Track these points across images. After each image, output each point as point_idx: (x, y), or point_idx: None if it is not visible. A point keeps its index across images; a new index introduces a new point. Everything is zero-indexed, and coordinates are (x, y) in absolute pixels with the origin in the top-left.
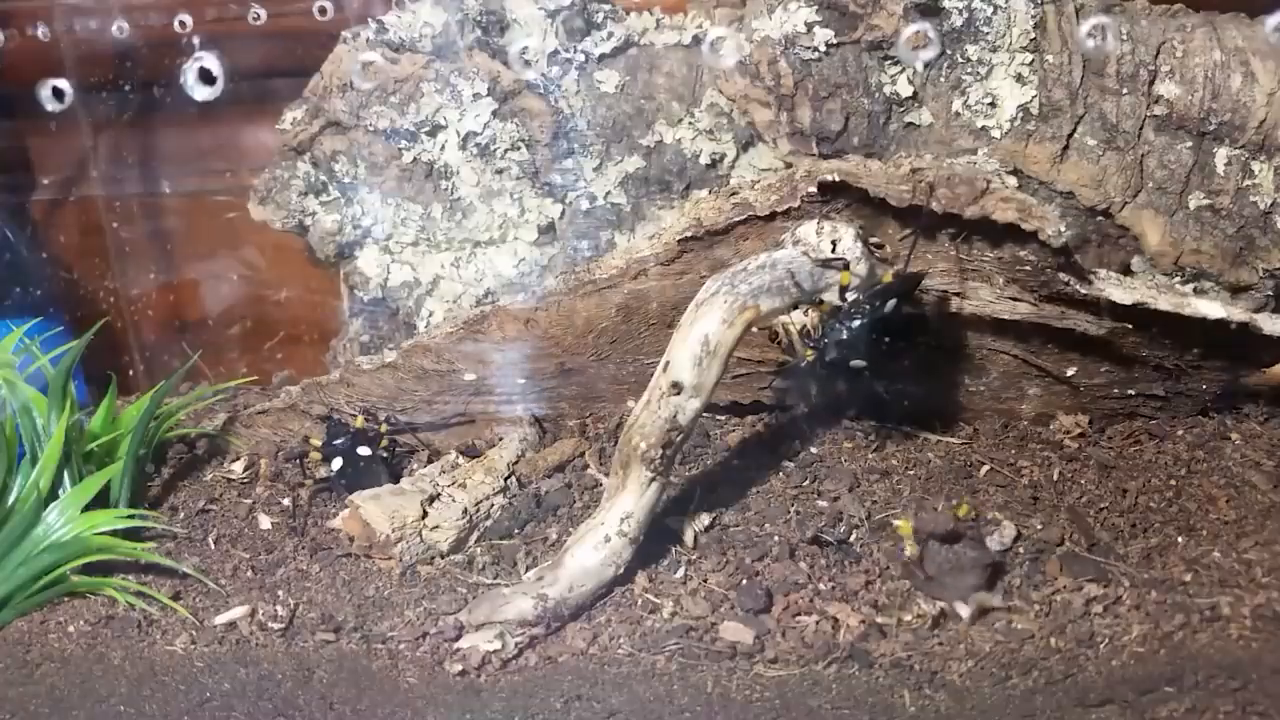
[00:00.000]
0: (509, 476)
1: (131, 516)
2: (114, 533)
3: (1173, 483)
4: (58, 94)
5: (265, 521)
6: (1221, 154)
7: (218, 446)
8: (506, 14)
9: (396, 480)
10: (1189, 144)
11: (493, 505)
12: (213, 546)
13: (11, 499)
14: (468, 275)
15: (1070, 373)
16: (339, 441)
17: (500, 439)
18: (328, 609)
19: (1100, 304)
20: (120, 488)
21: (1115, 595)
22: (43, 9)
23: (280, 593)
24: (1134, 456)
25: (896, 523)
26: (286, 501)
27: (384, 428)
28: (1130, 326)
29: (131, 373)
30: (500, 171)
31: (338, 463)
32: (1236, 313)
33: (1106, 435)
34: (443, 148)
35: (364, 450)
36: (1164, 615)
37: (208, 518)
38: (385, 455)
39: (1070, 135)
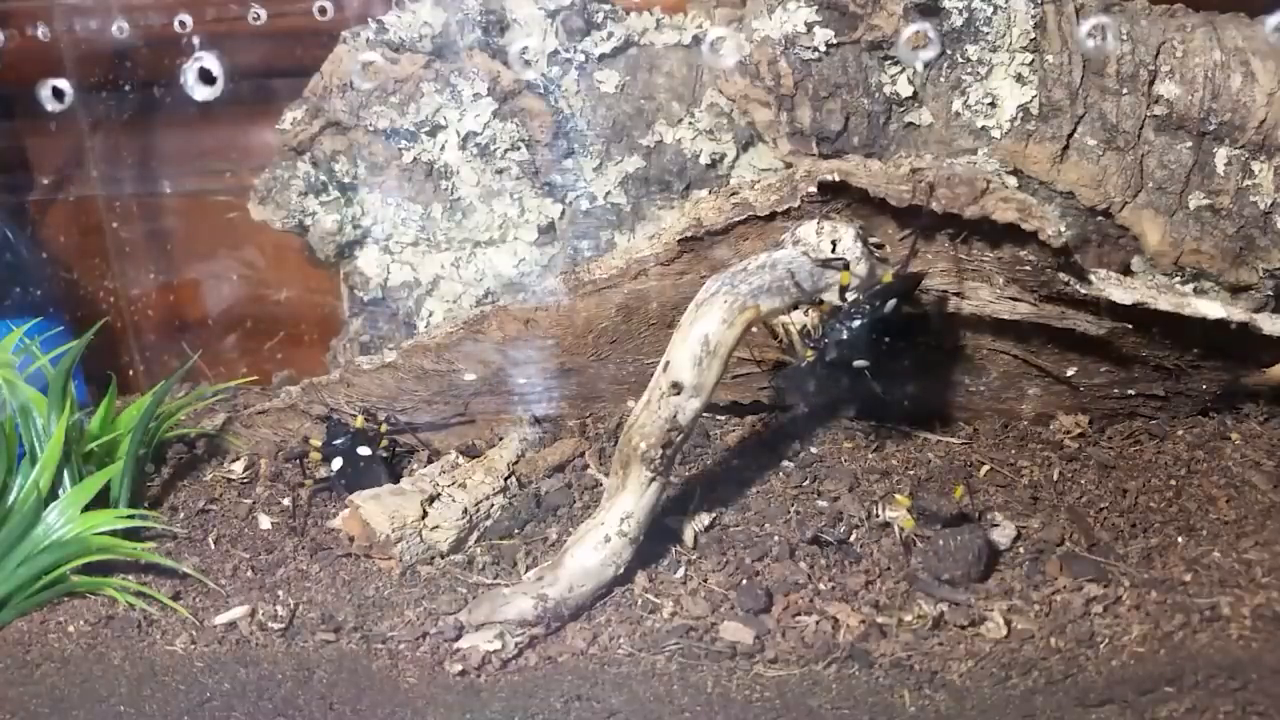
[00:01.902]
0: (509, 476)
1: (131, 516)
2: (114, 533)
3: (1173, 483)
4: (57, 94)
5: (265, 521)
6: (1221, 154)
7: (217, 446)
8: (506, 14)
9: (396, 480)
10: (1189, 144)
11: (493, 505)
12: (213, 546)
13: (11, 499)
14: (468, 275)
15: (1070, 373)
16: (339, 441)
17: (500, 439)
18: (328, 609)
19: (1100, 304)
20: (120, 488)
21: (1115, 595)
22: (42, 9)
23: (280, 593)
24: (1134, 456)
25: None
26: (286, 501)
27: (384, 428)
28: (1130, 326)
29: (131, 373)
30: (500, 171)
31: (338, 463)
32: (1236, 313)
33: (1106, 435)
34: (443, 148)
35: (364, 450)
36: (1164, 615)
37: (208, 518)
38: (385, 455)
39: (1070, 135)
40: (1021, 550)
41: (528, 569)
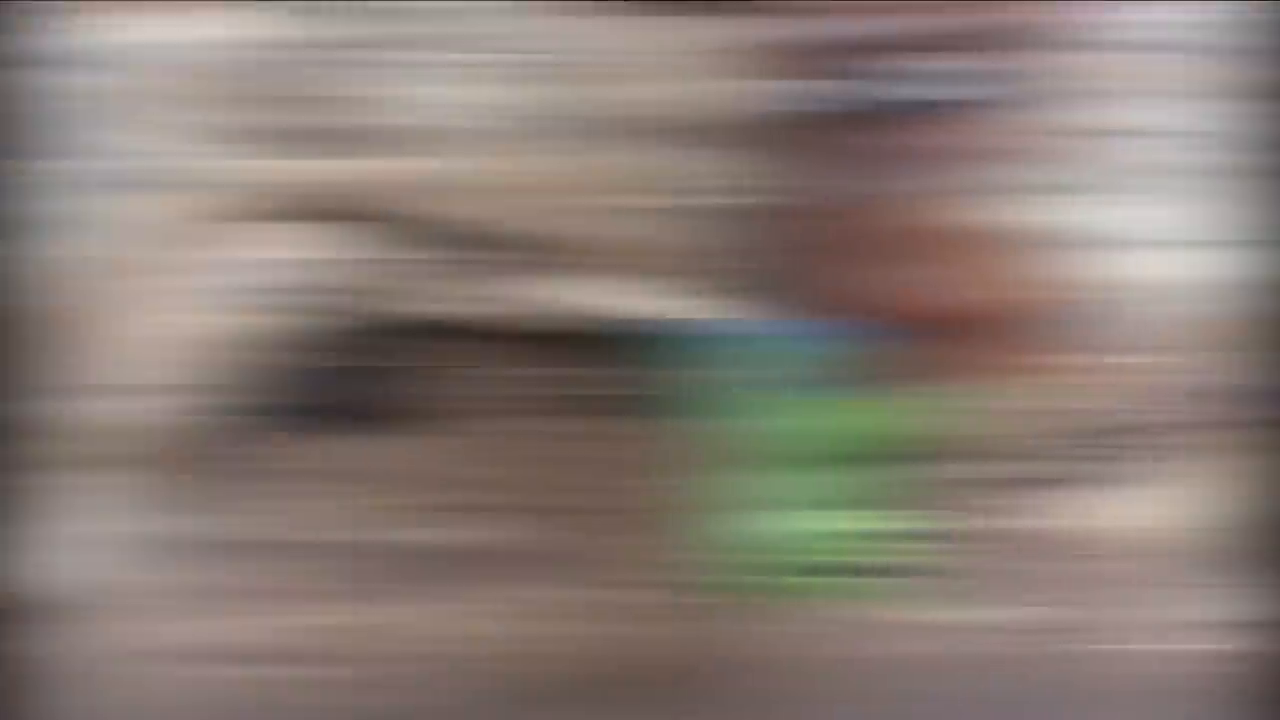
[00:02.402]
0: None
1: (880, 517)
2: (856, 535)
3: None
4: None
5: (1027, 521)
6: None
7: (971, 447)
8: None
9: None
10: None
11: None
12: (967, 546)
13: (741, 501)
14: None
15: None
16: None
17: None
18: (1081, 614)
19: None
20: (873, 488)
21: None
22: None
23: (1039, 596)
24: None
25: None
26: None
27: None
28: None
29: (886, 371)
30: None
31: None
32: None
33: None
34: None
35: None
36: None
37: (957, 517)
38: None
39: None
40: None
41: None
